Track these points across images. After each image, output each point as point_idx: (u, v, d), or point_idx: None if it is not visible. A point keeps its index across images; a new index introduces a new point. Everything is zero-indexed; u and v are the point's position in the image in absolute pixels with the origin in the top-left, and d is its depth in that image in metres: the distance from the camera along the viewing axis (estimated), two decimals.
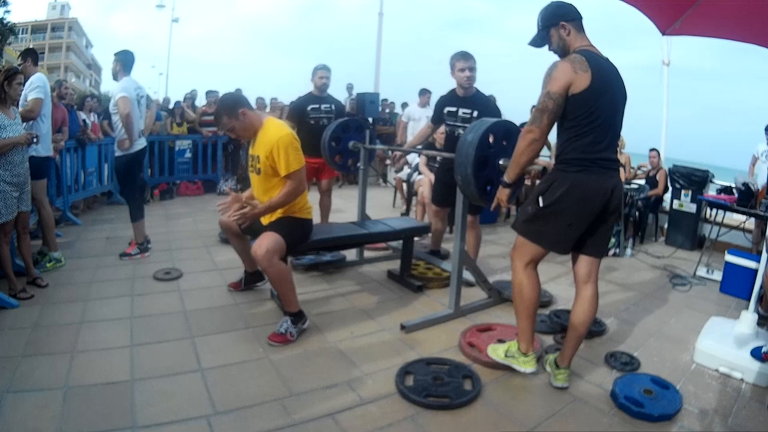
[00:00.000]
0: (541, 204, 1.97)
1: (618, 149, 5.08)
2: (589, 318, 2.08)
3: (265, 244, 2.38)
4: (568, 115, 1.90)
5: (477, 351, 2.35)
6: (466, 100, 3.13)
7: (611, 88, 1.90)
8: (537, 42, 2.04)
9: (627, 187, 4.67)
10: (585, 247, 2.05)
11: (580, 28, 1.96)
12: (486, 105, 3.12)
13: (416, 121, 6.18)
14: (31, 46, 4.15)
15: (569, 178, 1.92)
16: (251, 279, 3.08)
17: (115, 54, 3.60)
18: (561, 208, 1.93)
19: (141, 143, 3.72)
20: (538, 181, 2.13)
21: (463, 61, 3.08)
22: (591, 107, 1.85)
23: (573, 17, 1.95)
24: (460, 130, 3.11)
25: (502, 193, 2.13)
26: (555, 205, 1.94)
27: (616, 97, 1.94)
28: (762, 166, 4.67)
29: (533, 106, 2.14)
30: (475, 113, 3.07)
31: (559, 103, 1.86)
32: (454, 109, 3.17)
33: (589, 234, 2.01)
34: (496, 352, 2.23)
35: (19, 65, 3.39)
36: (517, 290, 2.11)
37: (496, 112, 3.09)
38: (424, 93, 6.51)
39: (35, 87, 3.18)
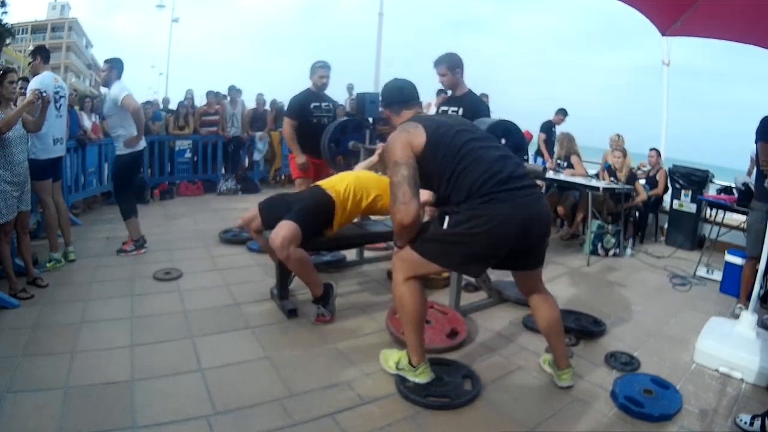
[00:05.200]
0: (445, 226, 1.86)
1: (618, 146, 5.08)
2: (555, 315, 2.07)
3: (282, 233, 2.44)
4: (438, 169, 1.81)
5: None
6: (456, 99, 3.16)
7: (451, 121, 1.93)
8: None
9: (626, 186, 4.67)
10: (520, 265, 1.99)
11: (400, 109, 2.05)
12: (473, 103, 3.09)
13: None
14: (43, 44, 4.12)
15: (475, 210, 1.76)
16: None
17: (107, 60, 3.64)
18: (466, 237, 1.78)
19: (142, 143, 3.76)
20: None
21: (435, 67, 3.14)
22: (448, 143, 1.81)
23: (387, 103, 2.08)
24: None
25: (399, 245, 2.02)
26: (460, 234, 1.79)
27: (463, 123, 1.97)
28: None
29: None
30: (461, 110, 3.06)
31: (412, 165, 1.78)
32: (446, 108, 3.22)
33: (519, 256, 1.90)
34: (388, 362, 2.14)
35: (30, 64, 3.40)
36: (398, 303, 1.97)
37: (483, 109, 3.07)
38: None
39: (29, 86, 3.16)
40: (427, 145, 1.80)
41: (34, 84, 3.18)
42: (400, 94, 2.07)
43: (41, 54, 3.40)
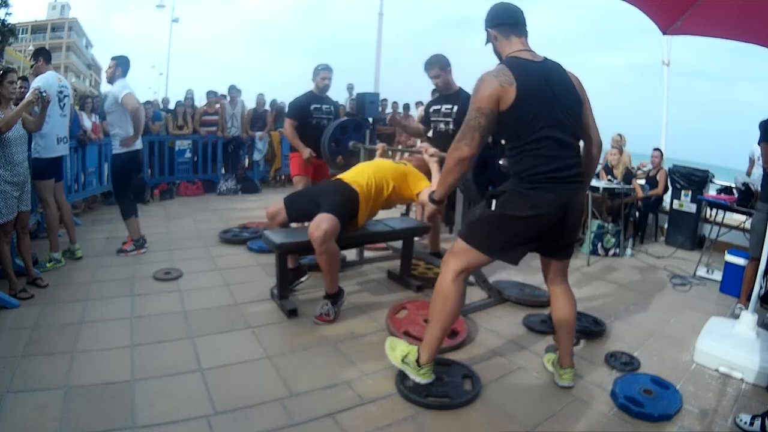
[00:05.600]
0: (493, 207, 1.88)
1: (617, 145, 5.10)
2: (572, 312, 2.07)
3: (324, 226, 2.46)
4: (507, 133, 1.84)
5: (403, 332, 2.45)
6: (448, 97, 3.28)
7: (546, 95, 1.79)
8: (488, 41, 2.00)
9: (625, 186, 4.67)
10: (550, 253, 2.01)
11: (510, 33, 1.89)
12: (468, 100, 3.15)
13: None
14: (45, 46, 4.18)
15: (522, 194, 1.81)
16: (293, 276, 3.00)
17: (114, 57, 3.65)
18: (509, 220, 1.83)
19: (138, 143, 3.77)
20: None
21: (427, 71, 3.24)
22: (527, 121, 1.77)
23: (498, 23, 1.91)
24: (442, 125, 3.30)
25: (428, 209, 2.05)
26: (505, 216, 1.84)
27: (557, 100, 1.80)
28: (761, 171, 4.65)
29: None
30: (455, 108, 3.19)
31: (491, 120, 1.78)
32: (438, 106, 3.35)
33: (552, 243, 1.95)
34: (394, 352, 2.11)
35: (32, 65, 3.44)
36: (441, 299, 1.93)
37: None
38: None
39: (34, 83, 3.22)
40: (510, 109, 1.77)
41: (37, 83, 3.20)
42: (513, 16, 1.90)
43: (43, 56, 3.43)
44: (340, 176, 2.89)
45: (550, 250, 2.00)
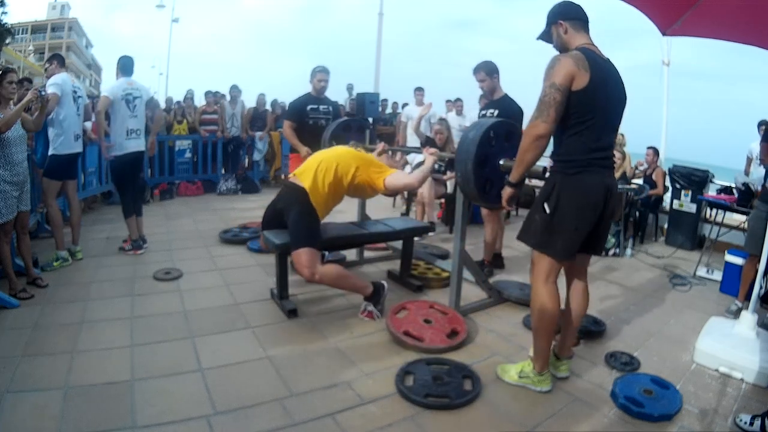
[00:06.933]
0: (547, 210, 1.94)
1: (619, 147, 5.11)
2: (584, 309, 2.13)
3: (303, 262, 2.51)
4: (566, 113, 1.88)
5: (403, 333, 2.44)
6: (494, 103, 3.42)
7: (607, 89, 1.88)
8: (543, 37, 2.06)
9: (626, 186, 4.67)
10: (585, 246, 2.04)
11: (580, 28, 1.95)
12: (508, 106, 3.33)
13: (413, 120, 6.24)
14: (45, 46, 4.42)
15: (569, 180, 1.90)
16: None
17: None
18: (565, 212, 1.90)
19: (130, 145, 3.76)
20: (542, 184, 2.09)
21: (474, 75, 3.44)
22: (588, 106, 1.83)
23: (572, 17, 1.96)
24: None
25: (506, 193, 2.08)
26: (560, 210, 1.91)
27: (612, 97, 1.92)
28: (759, 169, 4.65)
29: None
30: (496, 112, 3.29)
31: (565, 96, 1.82)
32: (485, 111, 3.48)
33: (595, 232, 1.99)
34: (508, 374, 2.15)
35: (46, 69, 3.59)
36: (538, 310, 2.00)
37: (516, 110, 3.30)
38: (419, 90, 6.72)
39: (52, 83, 3.37)
40: (578, 92, 1.81)
41: (52, 85, 3.34)
42: (585, 14, 1.97)
43: (57, 60, 3.59)
44: (293, 173, 2.82)
45: (590, 243, 2.02)
